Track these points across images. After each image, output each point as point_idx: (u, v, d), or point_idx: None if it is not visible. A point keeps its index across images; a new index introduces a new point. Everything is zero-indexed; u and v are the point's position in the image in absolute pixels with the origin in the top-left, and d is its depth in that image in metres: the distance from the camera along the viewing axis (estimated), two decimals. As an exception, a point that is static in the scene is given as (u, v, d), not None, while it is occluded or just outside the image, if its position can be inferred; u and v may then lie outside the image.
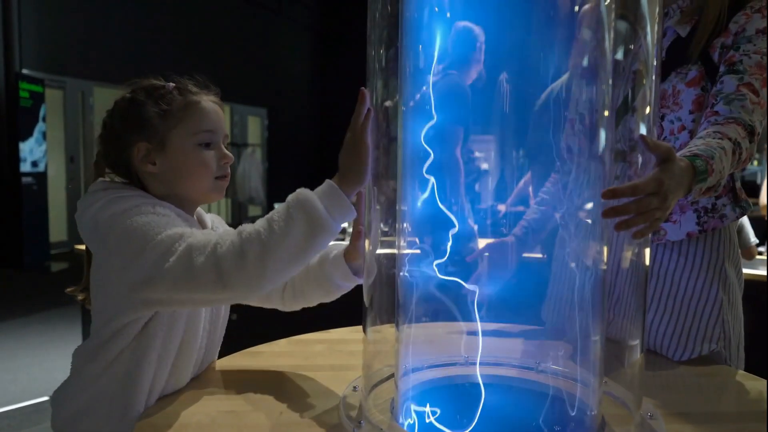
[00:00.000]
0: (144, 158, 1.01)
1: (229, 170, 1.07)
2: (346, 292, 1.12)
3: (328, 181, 0.92)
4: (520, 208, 1.11)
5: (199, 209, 1.12)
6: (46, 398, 3.04)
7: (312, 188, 0.92)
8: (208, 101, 1.05)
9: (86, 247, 1.04)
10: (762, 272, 2.62)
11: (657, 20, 0.89)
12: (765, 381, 1.10)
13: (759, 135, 1.06)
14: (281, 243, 0.86)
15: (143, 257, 0.89)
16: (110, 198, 0.96)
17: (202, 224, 1.10)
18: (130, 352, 0.96)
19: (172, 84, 1.04)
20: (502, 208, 1.08)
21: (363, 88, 0.93)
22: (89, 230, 0.97)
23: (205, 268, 0.86)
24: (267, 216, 0.90)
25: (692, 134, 1.16)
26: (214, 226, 1.14)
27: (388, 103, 0.98)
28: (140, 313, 0.95)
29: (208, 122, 1.03)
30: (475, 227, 1.11)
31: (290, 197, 0.91)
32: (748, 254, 2.73)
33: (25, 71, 6.65)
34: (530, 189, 1.09)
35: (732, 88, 1.09)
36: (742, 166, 1.07)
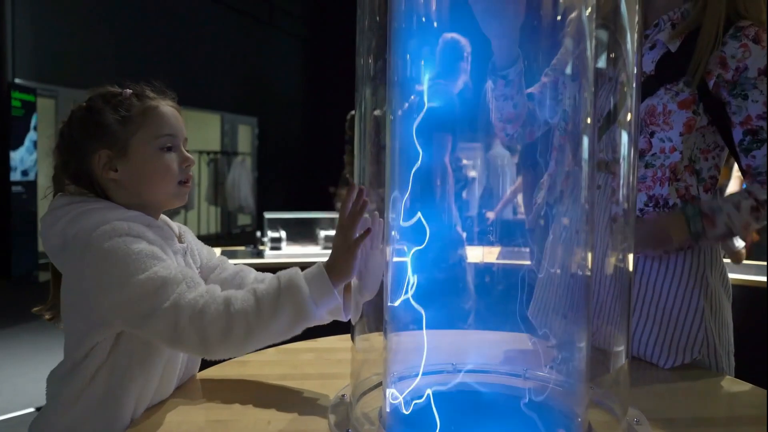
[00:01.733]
0: (106, 165, 1.00)
1: (192, 174, 1.06)
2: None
3: (319, 266, 0.95)
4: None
5: (165, 217, 1.10)
6: (31, 410, 3.00)
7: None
8: (167, 106, 1.04)
9: (51, 266, 1.02)
10: (762, 278, 2.61)
11: (636, 29, 0.90)
12: (750, 385, 1.11)
13: None
14: (266, 328, 0.91)
15: (124, 295, 0.89)
16: (76, 213, 0.95)
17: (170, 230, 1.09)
18: (107, 369, 0.95)
19: (129, 90, 1.03)
20: (490, 215, 1.09)
21: (362, 186, 0.97)
22: (57, 247, 0.96)
23: (190, 333, 0.89)
24: (257, 293, 0.93)
25: (682, 155, 1.18)
26: (181, 232, 1.12)
27: (377, 112, 0.99)
28: (112, 332, 0.95)
29: (168, 126, 1.02)
30: (464, 234, 1.12)
31: (283, 278, 0.94)
32: (736, 258, 2.71)
33: (17, 81, 6.62)
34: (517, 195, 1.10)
35: (763, 163, 1.15)
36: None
